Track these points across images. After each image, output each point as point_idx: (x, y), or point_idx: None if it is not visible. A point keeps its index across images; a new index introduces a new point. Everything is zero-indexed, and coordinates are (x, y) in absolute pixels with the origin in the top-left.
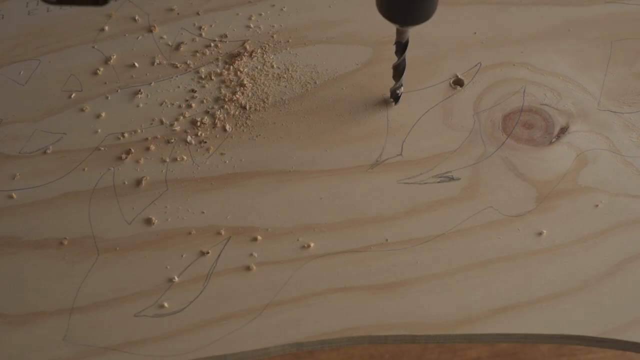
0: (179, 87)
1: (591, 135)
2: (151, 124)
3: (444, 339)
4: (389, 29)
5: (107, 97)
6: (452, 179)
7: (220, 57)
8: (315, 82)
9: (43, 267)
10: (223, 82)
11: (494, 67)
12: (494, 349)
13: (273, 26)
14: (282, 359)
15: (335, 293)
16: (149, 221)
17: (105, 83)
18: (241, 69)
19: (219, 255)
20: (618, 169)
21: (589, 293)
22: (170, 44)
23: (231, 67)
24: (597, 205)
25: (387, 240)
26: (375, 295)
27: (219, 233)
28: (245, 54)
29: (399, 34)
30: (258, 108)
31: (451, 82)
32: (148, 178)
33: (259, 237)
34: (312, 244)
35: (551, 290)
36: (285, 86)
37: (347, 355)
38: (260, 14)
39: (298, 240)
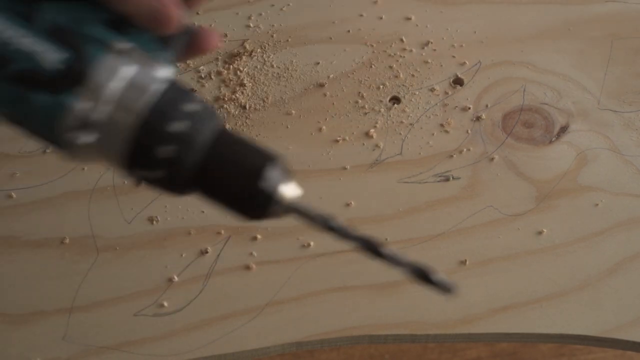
0: None
1: (591, 135)
2: None
3: (443, 339)
4: (389, 29)
5: None
6: (452, 178)
7: (220, 57)
8: (315, 82)
9: (43, 266)
10: (223, 81)
11: (494, 66)
12: (494, 348)
13: (273, 25)
14: (282, 358)
15: (335, 292)
16: (148, 220)
17: None
18: (241, 69)
19: (218, 255)
20: (618, 168)
21: (589, 292)
22: None
23: (231, 66)
24: (597, 205)
25: (387, 239)
26: (375, 295)
27: (218, 232)
28: (245, 53)
29: None
30: (258, 107)
31: (451, 81)
32: None
33: (259, 237)
34: (311, 243)
35: (551, 290)
36: (285, 85)
37: (347, 355)
38: (260, 14)
39: (298, 239)
